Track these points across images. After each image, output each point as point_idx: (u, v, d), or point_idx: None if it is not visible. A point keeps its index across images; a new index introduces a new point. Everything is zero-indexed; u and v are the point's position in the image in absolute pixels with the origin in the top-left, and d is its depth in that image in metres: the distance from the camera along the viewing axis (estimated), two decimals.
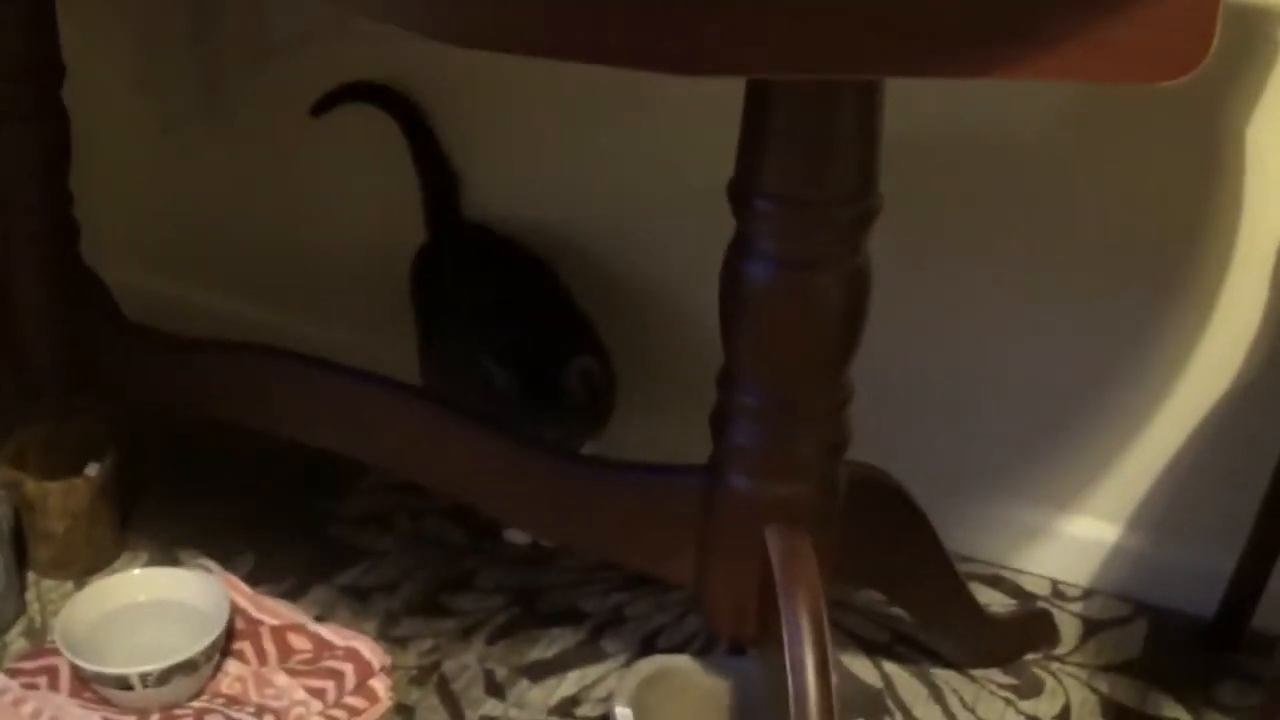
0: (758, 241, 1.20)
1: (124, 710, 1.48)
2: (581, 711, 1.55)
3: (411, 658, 1.61)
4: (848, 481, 1.32)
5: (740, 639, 1.37)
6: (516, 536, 1.79)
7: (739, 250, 1.22)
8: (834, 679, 1.23)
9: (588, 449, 1.68)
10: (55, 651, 1.50)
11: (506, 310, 1.72)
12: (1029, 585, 1.75)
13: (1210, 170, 1.53)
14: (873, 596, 1.68)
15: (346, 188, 1.99)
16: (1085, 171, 1.57)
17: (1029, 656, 1.64)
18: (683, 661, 1.44)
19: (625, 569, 1.71)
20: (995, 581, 1.75)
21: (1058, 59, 0.90)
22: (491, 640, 1.64)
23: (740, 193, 1.20)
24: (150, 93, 1.97)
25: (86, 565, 1.71)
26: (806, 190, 1.18)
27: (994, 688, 1.59)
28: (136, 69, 1.97)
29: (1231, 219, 1.54)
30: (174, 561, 1.71)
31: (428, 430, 1.51)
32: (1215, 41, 0.87)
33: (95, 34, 1.86)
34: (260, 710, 1.47)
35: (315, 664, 1.54)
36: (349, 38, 1.85)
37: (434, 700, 1.56)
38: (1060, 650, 1.65)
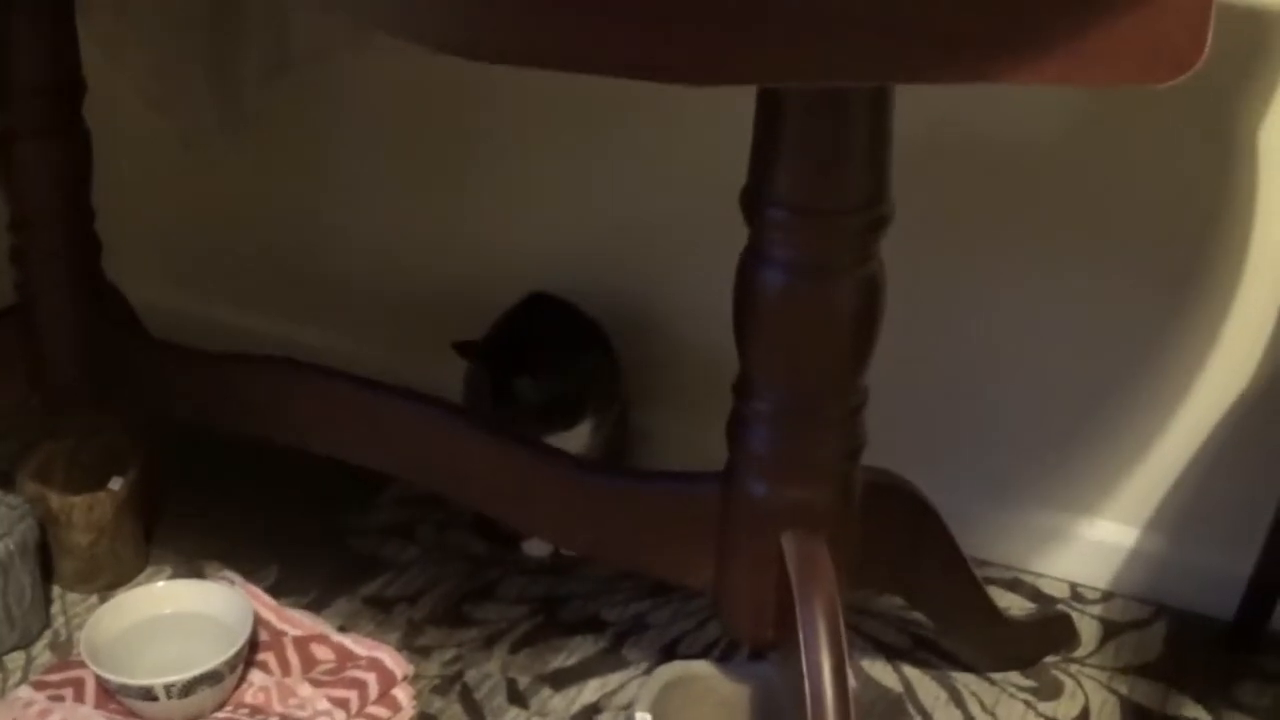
0: (770, 249, 1.21)
1: None
2: (603, 719, 1.56)
3: (434, 667, 1.62)
4: (863, 486, 1.33)
5: (759, 644, 1.38)
6: (535, 549, 1.79)
7: (752, 258, 1.23)
8: (852, 683, 1.24)
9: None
10: (80, 664, 1.51)
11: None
12: (1048, 588, 1.75)
13: (1224, 172, 1.53)
14: (892, 602, 1.68)
15: (366, 202, 2.01)
16: (1099, 175, 1.58)
17: (1048, 659, 1.64)
18: (703, 667, 1.45)
19: (645, 577, 1.72)
20: (1014, 585, 1.75)
21: (1056, 62, 0.91)
22: (514, 649, 1.65)
23: (753, 201, 1.21)
24: (169, 109, 1.98)
25: (111, 579, 1.72)
26: (819, 198, 1.19)
27: (1014, 690, 1.60)
28: (155, 86, 1.98)
29: (1245, 222, 1.55)
30: (198, 574, 1.72)
31: (449, 442, 1.52)
32: (1210, 41, 0.88)
33: (114, 51, 1.87)
34: None
35: (338, 674, 1.55)
36: (367, 52, 1.86)
37: (457, 709, 1.56)
38: (1079, 652, 1.65)
